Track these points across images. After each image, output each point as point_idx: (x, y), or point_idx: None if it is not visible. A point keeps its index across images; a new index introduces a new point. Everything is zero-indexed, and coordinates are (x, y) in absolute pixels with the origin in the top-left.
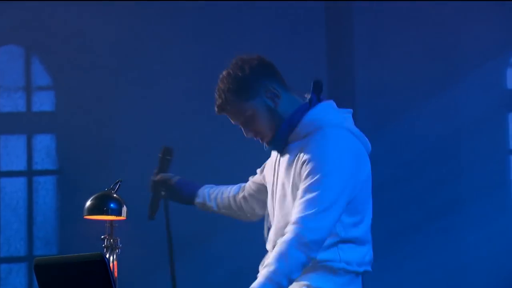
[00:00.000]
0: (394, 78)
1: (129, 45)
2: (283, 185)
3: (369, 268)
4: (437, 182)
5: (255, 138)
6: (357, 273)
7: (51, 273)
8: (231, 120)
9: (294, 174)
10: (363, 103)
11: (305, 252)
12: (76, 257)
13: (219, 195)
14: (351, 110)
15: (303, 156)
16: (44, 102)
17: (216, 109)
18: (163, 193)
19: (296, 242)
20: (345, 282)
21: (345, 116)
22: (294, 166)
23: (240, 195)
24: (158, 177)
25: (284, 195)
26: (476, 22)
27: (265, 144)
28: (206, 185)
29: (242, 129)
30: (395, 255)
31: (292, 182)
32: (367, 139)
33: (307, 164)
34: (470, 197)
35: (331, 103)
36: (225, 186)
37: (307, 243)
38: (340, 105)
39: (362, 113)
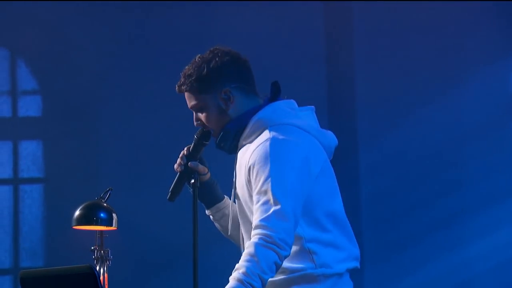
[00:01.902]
0: (394, 82)
1: (118, 48)
2: (240, 190)
3: (354, 264)
4: (438, 192)
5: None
6: (339, 275)
7: (38, 287)
8: (187, 103)
9: (245, 179)
10: (363, 108)
11: (274, 250)
12: (64, 270)
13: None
14: (312, 107)
15: (249, 161)
16: (30, 107)
17: (176, 87)
18: (193, 180)
19: (264, 242)
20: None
21: (297, 114)
22: (244, 170)
23: None
24: (200, 168)
25: (242, 200)
26: (480, 24)
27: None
28: (229, 201)
29: (193, 115)
30: (395, 268)
31: (246, 188)
32: (330, 133)
33: (253, 168)
34: (474, 207)
35: (283, 102)
36: None
37: (274, 242)
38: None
39: (362, 119)
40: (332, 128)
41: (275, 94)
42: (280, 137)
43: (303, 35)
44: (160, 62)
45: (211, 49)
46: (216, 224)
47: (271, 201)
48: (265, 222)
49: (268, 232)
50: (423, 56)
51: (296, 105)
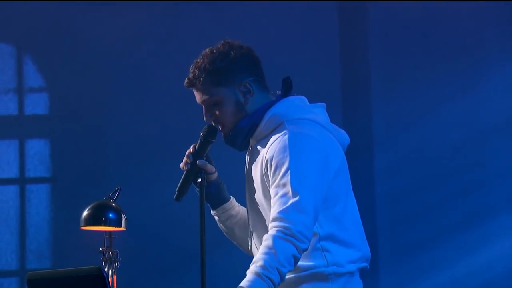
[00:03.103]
0: (411, 80)
1: (127, 45)
2: (253, 188)
3: (365, 265)
4: (457, 192)
5: (213, 124)
6: (351, 273)
7: None
8: (196, 98)
9: (261, 174)
10: (378, 107)
11: (293, 242)
12: (72, 271)
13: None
14: (324, 104)
15: (266, 155)
16: (37, 104)
17: (185, 81)
18: (199, 180)
19: (281, 234)
20: (340, 287)
21: (311, 110)
22: (260, 166)
23: None
24: (208, 167)
25: (257, 198)
26: (499, 20)
27: (223, 136)
28: (235, 202)
29: (203, 111)
30: (411, 271)
31: (261, 184)
32: (343, 131)
33: (271, 162)
34: (494, 208)
35: (297, 98)
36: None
37: (293, 234)
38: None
39: (377, 118)
40: (347, 126)
41: (287, 90)
42: (299, 131)
43: (317, 34)
44: (169, 60)
45: (223, 42)
46: (221, 226)
47: (290, 193)
48: (283, 214)
49: (286, 224)
50: (440, 53)
51: (307, 102)
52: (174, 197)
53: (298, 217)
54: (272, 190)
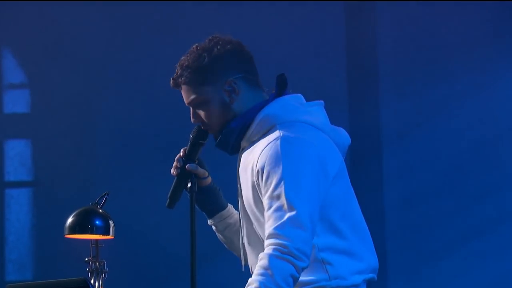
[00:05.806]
0: (421, 78)
1: (115, 38)
2: (245, 195)
3: (372, 276)
4: (472, 196)
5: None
6: (356, 286)
7: None
8: (184, 99)
9: (252, 183)
10: (387, 106)
11: (290, 261)
12: (55, 283)
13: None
14: (321, 102)
15: (257, 163)
16: (17, 102)
17: (171, 81)
18: (189, 185)
19: (278, 253)
20: None
21: (307, 110)
22: (250, 174)
23: None
24: (199, 170)
25: (247, 206)
26: None
27: (214, 137)
28: (233, 209)
29: (190, 112)
30: (422, 282)
31: (253, 193)
32: (343, 131)
33: (262, 171)
34: None
35: (292, 97)
36: None
37: (291, 252)
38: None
39: (386, 118)
40: (354, 127)
41: (282, 88)
42: (292, 135)
43: (323, 32)
44: (159, 58)
45: (210, 37)
46: (219, 236)
47: (285, 206)
48: (280, 231)
49: (283, 242)
50: (452, 49)
51: (304, 100)
52: (166, 204)
53: (296, 232)
54: (265, 202)
